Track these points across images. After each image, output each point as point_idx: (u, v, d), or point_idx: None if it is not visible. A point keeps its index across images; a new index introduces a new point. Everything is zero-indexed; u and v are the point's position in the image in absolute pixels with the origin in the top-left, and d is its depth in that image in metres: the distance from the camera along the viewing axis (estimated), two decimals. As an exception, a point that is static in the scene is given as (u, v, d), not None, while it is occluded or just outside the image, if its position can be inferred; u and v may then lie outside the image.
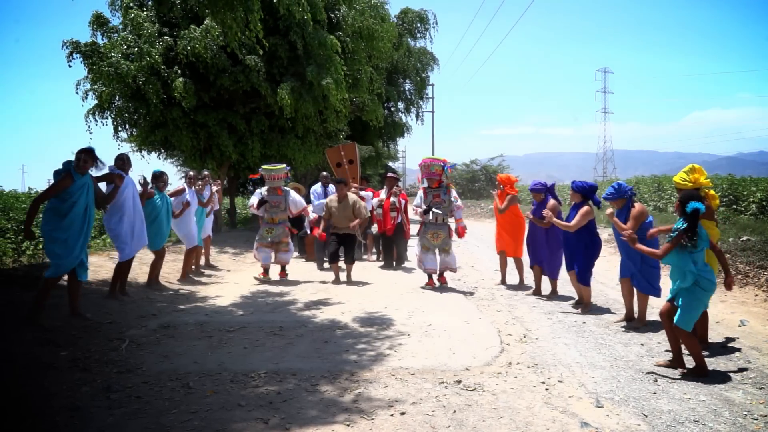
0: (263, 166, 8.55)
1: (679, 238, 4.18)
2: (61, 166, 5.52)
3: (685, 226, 4.16)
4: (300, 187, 11.50)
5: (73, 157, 5.52)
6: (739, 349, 4.88)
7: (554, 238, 6.97)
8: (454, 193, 7.94)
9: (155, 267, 7.55)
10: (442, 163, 7.79)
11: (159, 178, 7.49)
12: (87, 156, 5.50)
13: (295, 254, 11.87)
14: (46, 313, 5.27)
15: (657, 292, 5.59)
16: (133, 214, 6.55)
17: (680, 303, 4.22)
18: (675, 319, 4.22)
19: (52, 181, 5.53)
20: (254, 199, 8.55)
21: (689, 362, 4.28)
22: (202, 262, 9.44)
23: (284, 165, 8.68)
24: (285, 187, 8.63)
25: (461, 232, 7.82)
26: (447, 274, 8.00)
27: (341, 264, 8.54)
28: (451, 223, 7.94)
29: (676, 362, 4.34)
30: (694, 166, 5.16)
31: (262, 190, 8.54)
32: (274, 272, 8.59)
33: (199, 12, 10.83)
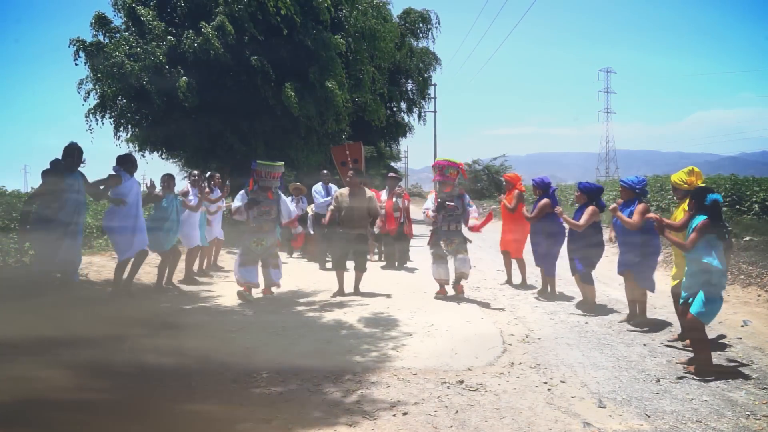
0: (259, 161, 7.21)
1: (705, 229, 4.17)
2: (49, 166, 5.57)
3: (704, 218, 4.18)
4: (301, 187, 11.50)
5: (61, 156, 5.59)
6: (742, 350, 4.88)
7: (553, 237, 7.02)
8: (467, 199, 7.31)
9: (165, 268, 7.51)
10: (457, 167, 7.27)
11: (172, 179, 7.54)
12: (78, 153, 5.58)
13: (297, 254, 11.88)
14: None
15: (653, 286, 5.72)
16: (134, 215, 6.57)
17: (701, 297, 4.20)
18: (694, 310, 4.20)
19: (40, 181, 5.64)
20: (239, 203, 6.94)
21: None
22: (207, 262, 9.38)
23: (282, 163, 7.52)
24: (277, 190, 7.23)
25: (477, 227, 7.01)
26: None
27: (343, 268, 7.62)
28: (471, 221, 7.16)
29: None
30: (694, 169, 5.17)
31: (242, 199, 6.99)
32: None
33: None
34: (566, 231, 6.95)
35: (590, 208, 6.28)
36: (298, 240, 9.12)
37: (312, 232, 10.71)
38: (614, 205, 5.68)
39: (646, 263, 5.67)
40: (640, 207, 5.51)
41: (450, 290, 7.30)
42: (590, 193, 6.43)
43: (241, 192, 7.08)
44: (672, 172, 5.78)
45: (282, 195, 7.32)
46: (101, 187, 6.31)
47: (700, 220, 4.23)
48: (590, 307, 6.37)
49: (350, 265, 7.62)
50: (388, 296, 7.26)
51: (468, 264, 7.08)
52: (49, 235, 5.34)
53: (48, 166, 5.78)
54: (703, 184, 5.11)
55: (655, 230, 4.99)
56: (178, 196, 7.81)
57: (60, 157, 5.79)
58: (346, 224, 7.40)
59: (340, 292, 7.41)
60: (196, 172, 8.69)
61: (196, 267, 8.68)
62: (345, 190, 7.50)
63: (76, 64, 12.10)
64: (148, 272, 7.85)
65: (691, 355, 4.47)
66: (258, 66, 12.33)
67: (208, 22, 11.99)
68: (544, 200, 7.06)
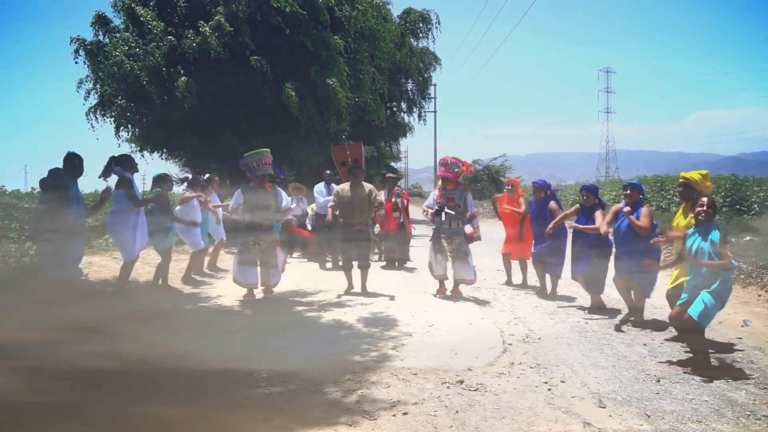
0: (246, 154, 6.98)
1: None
2: (46, 174, 5.55)
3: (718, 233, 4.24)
4: (301, 187, 11.48)
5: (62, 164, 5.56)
6: (742, 350, 4.88)
7: (558, 238, 7.03)
8: (470, 199, 7.33)
9: (162, 268, 7.53)
10: (462, 165, 7.26)
11: (164, 179, 7.55)
12: (80, 161, 5.57)
13: (297, 254, 11.88)
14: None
15: (650, 292, 5.73)
16: (136, 214, 6.55)
17: (705, 300, 4.21)
18: (694, 313, 4.20)
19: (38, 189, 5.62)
20: (236, 203, 6.81)
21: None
22: (207, 264, 9.37)
23: (267, 149, 7.15)
24: (274, 184, 7.02)
25: (470, 237, 7.23)
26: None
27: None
28: (467, 228, 7.34)
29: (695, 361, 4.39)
30: (708, 174, 5.23)
31: (240, 197, 6.82)
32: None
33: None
34: (566, 230, 6.95)
35: (600, 212, 6.27)
36: (307, 238, 9.28)
37: (310, 228, 10.72)
38: (628, 208, 5.63)
39: (649, 271, 5.64)
40: (646, 210, 5.54)
41: (449, 290, 7.34)
42: (596, 194, 6.50)
43: (238, 190, 6.90)
44: (672, 172, 5.80)
45: (279, 189, 7.12)
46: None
47: (717, 234, 4.24)
48: (594, 307, 6.38)
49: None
50: (388, 296, 7.25)
51: (471, 270, 7.16)
52: (56, 244, 5.33)
53: (46, 175, 5.73)
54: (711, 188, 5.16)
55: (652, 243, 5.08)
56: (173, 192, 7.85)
57: (61, 165, 5.74)
58: (347, 219, 7.38)
59: (349, 290, 7.45)
60: (190, 176, 8.71)
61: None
62: (346, 186, 7.44)
63: (76, 62, 12.11)
64: (149, 272, 7.86)
65: (691, 355, 4.48)
66: (257, 66, 12.33)
67: (207, 22, 12.00)
68: (555, 204, 7.07)
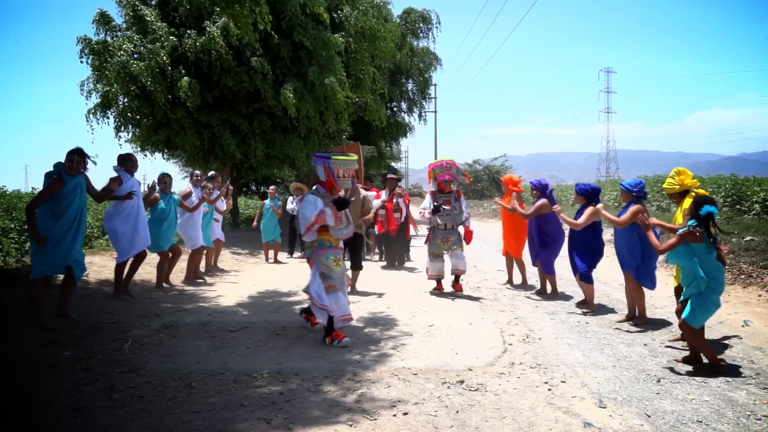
0: (334, 156, 5.23)
1: (686, 235, 4.17)
2: (52, 168, 5.50)
3: (695, 224, 4.17)
4: (303, 187, 11.48)
5: (64, 159, 5.51)
6: (742, 350, 4.87)
7: (547, 234, 7.13)
8: (464, 201, 7.58)
9: (164, 267, 7.53)
10: (458, 170, 7.56)
11: (162, 179, 7.53)
12: (78, 157, 5.50)
13: (297, 254, 11.89)
14: (48, 314, 5.30)
15: (654, 286, 5.79)
16: (136, 215, 6.54)
17: (690, 301, 4.27)
18: (683, 315, 4.27)
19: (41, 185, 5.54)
20: (315, 210, 4.94)
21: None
22: (208, 263, 9.36)
23: (355, 157, 5.61)
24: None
25: (468, 238, 7.39)
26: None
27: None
28: (460, 229, 7.54)
29: (692, 357, 4.44)
30: (679, 169, 5.25)
31: (318, 201, 5.00)
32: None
33: (209, 7, 10.97)
34: (564, 231, 6.97)
35: (590, 209, 6.32)
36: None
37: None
38: (600, 204, 5.80)
39: (646, 263, 5.69)
40: (633, 207, 5.56)
41: (448, 288, 7.43)
42: (588, 195, 6.48)
43: (311, 196, 5.09)
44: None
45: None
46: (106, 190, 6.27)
47: (690, 225, 4.24)
48: (589, 306, 6.39)
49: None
50: (389, 296, 7.26)
51: (464, 261, 7.34)
52: (51, 239, 5.30)
53: (51, 168, 5.71)
54: (693, 181, 5.15)
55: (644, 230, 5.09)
56: (174, 194, 7.82)
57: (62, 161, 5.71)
58: None
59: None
60: (198, 172, 8.68)
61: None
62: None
63: (81, 62, 12.07)
64: (149, 272, 7.85)
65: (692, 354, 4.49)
66: (258, 67, 12.32)
67: (211, 24, 11.98)
68: (542, 200, 7.12)
